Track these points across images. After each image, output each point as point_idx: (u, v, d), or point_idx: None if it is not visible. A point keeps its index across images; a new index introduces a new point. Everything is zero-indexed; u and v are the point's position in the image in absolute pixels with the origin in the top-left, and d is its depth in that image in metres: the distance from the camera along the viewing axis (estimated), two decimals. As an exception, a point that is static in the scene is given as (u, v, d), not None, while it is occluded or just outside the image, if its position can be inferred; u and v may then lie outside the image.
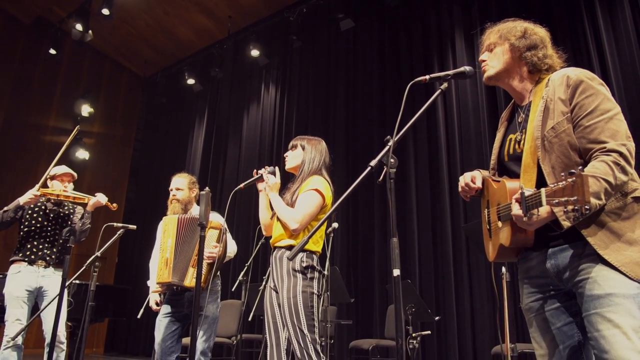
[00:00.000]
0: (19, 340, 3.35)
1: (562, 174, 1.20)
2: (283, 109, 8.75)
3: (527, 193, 1.32)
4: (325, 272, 2.48)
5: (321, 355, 2.14)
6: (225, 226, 3.16)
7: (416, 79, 1.60)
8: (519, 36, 1.62)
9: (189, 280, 2.80)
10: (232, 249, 3.19)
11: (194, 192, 3.27)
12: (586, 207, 1.11)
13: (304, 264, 2.25)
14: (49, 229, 3.61)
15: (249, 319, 4.26)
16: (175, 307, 3.00)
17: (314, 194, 2.32)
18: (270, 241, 2.41)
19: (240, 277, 4.19)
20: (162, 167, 10.82)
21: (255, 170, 2.60)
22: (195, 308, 1.93)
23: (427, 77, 1.62)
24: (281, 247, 2.32)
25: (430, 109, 1.63)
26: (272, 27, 9.17)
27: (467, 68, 1.64)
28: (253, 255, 4.14)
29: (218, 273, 3.15)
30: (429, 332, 4.28)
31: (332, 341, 3.92)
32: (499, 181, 1.62)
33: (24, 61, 9.80)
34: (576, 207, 1.14)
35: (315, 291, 2.21)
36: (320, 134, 8.26)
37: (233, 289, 4.13)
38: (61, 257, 3.68)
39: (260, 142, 8.94)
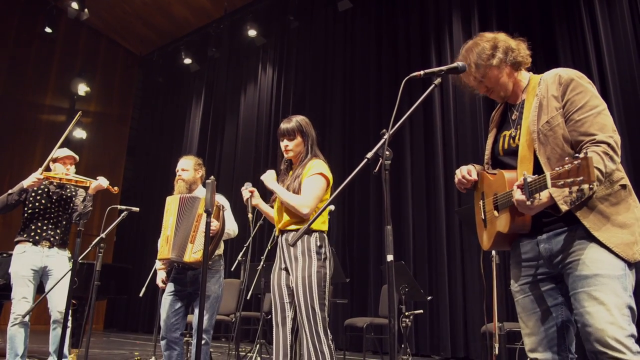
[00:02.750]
0: (26, 317, 3.47)
1: (567, 158, 1.29)
2: (280, 90, 8.77)
3: (529, 179, 1.40)
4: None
5: (328, 333, 2.25)
6: (227, 205, 3.23)
7: (411, 75, 1.66)
8: (489, 54, 1.69)
9: (188, 256, 2.86)
10: (232, 228, 3.23)
11: (199, 173, 3.33)
12: (591, 185, 1.19)
13: (318, 244, 2.35)
14: (52, 210, 3.69)
15: (248, 297, 4.39)
16: (179, 286, 3.08)
17: (319, 177, 2.40)
18: (279, 226, 2.47)
19: (239, 257, 4.30)
20: (160, 146, 10.85)
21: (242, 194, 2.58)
22: (203, 287, 2.02)
23: (422, 72, 1.68)
24: (291, 231, 2.40)
25: (427, 97, 1.70)
26: (269, 7, 9.11)
27: (460, 64, 1.70)
28: (252, 236, 4.24)
29: (221, 252, 3.23)
30: (421, 311, 4.43)
31: (328, 319, 4.06)
32: (495, 173, 1.71)
33: (19, 40, 9.72)
34: (581, 187, 1.23)
35: (328, 271, 2.31)
36: (317, 114, 8.38)
37: (232, 269, 4.24)
38: (65, 237, 3.77)
39: (257, 122, 8.97)
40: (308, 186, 2.36)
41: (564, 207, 1.44)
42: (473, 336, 5.44)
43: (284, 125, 2.53)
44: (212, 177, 2.12)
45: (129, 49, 11.57)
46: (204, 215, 2.84)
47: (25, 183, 3.51)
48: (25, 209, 3.66)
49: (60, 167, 3.74)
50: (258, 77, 9.27)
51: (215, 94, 10.04)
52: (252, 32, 8.92)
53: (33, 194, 3.68)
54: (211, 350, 3.70)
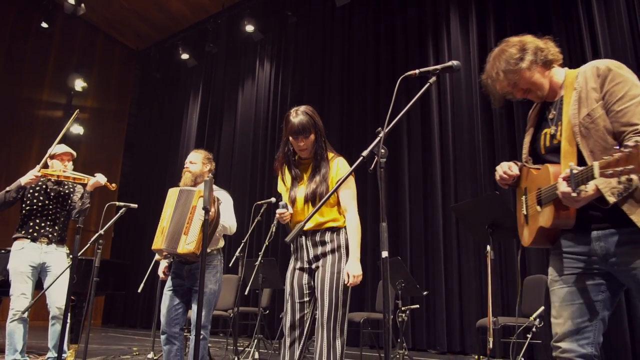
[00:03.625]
0: (25, 313, 3.49)
1: (615, 148, 1.28)
2: (278, 85, 8.77)
3: (575, 170, 1.37)
4: None
5: (344, 329, 2.26)
6: (228, 201, 3.21)
7: (406, 74, 1.68)
8: (518, 57, 1.69)
9: (181, 247, 2.86)
10: (230, 223, 3.19)
11: (206, 167, 3.34)
12: None
13: (346, 243, 2.36)
14: (50, 207, 3.70)
15: (246, 292, 4.42)
16: (178, 280, 3.11)
17: (351, 180, 2.38)
18: (305, 228, 2.34)
19: (237, 253, 4.33)
20: (157, 142, 10.85)
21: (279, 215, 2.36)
22: (201, 282, 2.04)
23: (417, 71, 1.70)
24: (319, 230, 2.34)
25: (424, 94, 1.71)
26: (267, 2, 9.09)
27: (455, 63, 1.71)
28: (249, 232, 4.27)
29: (219, 247, 3.23)
30: (417, 305, 4.47)
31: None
32: (539, 168, 1.70)
33: (15, 35, 9.67)
34: (630, 177, 1.19)
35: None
36: (315, 109, 8.34)
37: (230, 265, 4.27)
38: (63, 234, 3.78)
39: (255, 118, 8.98)
40: (349, 196, 2.36)
41: (611, 199, 1.42)
42: (469, 331, 5.49)
43: (297, 122, 2.35)
44: (210, 175, 2.13)
45: (125, 44, 11.53)
46: (199, 207, 2.87)
47: (23, 180, 3.52)
48: (23, 205, 3.67)
49: (57, 164, 3.75)
50: (256, 73, 9.27)
51: (213, 90, 10.04)
52: (249, 28, 8.91)
53: (31, 191, 3.69)
54: (209, 345, 3.73)
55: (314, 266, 2.35)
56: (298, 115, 2.39)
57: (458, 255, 5.81)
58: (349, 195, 2.38)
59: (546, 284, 4.12)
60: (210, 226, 2.91)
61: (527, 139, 1.83)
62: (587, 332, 1.56)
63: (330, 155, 2.46)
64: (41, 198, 3.69)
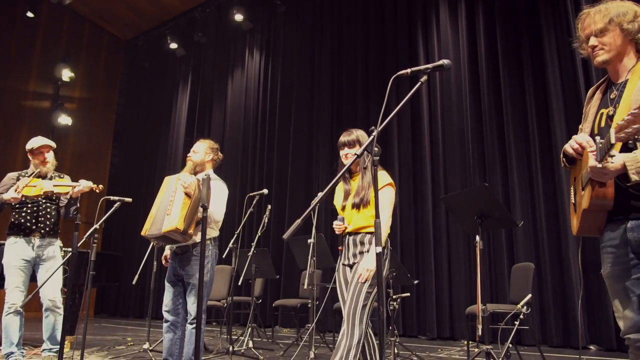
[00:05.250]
0: (21, 306, 3.53)
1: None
2: (268, 75, 8.75)
3: (600, 143, 1.38)
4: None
5: (365, 318, 2.45)
6: (222, 190, 3.25)
7: (398, 73, 1.73)
8: (630, 20, 1.67)
9: (165, 226, 2.94)
10: (214, 210, 3.13)
11: (209, 157, 3.38)
12: None
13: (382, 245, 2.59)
14: (41, 202, 3.73)
15: (239, 283, 4.48)
16: (175, 271, 3.18)
17: (390, 189, 2.67)
18: (350, 229, 2.67)
19: (230, 245, 4.38)
20: (146, 132, 10.78)
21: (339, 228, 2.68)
22: (201, 273, 2.08)
23: (409, 70, 1.75)
24: (361, 233, 2.64)
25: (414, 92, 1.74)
26: (256, -9, 9.03)
27: (445, 62, 1.76)
28: (242, 224, 4.32)
29: (213, 236, 3.26)
30: (408, 294, 4.56)
31: (318, 302, 4.17)
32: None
33: (0, 24, 9.50)
34: (638, 137, 1.21)
35: (385, 269, 2.58)
36: (305, 100, 8.38)
37: (224, 256, 4.32)
38: (55, 227, 3.81)
39: (245, 108, 8.96)
40: (385, 200, 2.61)
41: (634, 177, 1.44)
42: (458, 317, 5.62)
43: (344, 138, 2.74)
44: (207, 174, 2.17)
45: (113, 34, 11.39)
46: (180, 188, 2.98)
47: (5, 197, 3.53)
48: (15, 203, 3.68)
49: (37, 165, 3.73)
50: (245, 63, 9.23)
51: (202, 80, 9.98)
52: (238, 17, 8.85)
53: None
54: (204, 335, 3.79)
55: (353, 263, 2.64)
56: (349, 133, 2.77)
57: (448, 244, 5.92)
58: (382, 197, 2.59)
59: (533, 272, 4.22)
60: (195, 202, 2.96)
61: (589, 118, 1.78)
62: None
63: (380, 170, 2.65)
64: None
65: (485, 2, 6.21)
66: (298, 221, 1.46)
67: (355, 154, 1.62)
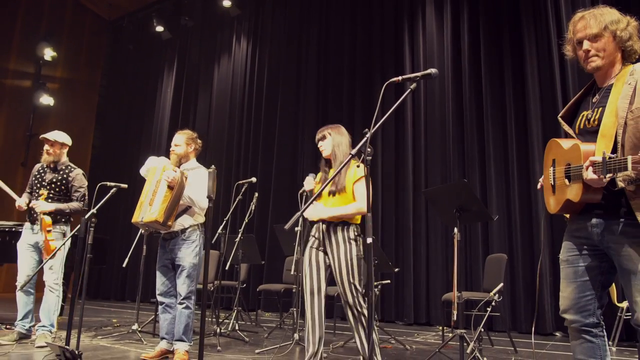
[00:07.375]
0: (25, 285, 3.83)
1: None
2: (255, 62, 8.78)
3: (608, 158, 1.46)
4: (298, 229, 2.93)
5: (364, 303, 2.68)
6: (201, 177, 3.38)
7: (390, 80, 1.88)
8: (623, 28, 1.74)
9: (146, 216, 3.16)
10: (197, 198, 3.28)
11: (191, 147, 3.52)
12: None
13: (356, 234, 2.79)
14: (47, 191, 3.96)
15: (227, 267, 4.63)
16: (165, 255, 3.34)
17: (364, 180, 2.76)
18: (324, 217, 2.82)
19: (219, 230, 4.52)
20: (130, 115, 10.69)
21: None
22: (206, 258, 2.21)
23: (400, 78, 1.90)
24: (339, 224, 2.79)
25: (403, 94, 1.90)
26: (245, -23, 9.01)
27: (433, 70, 1.91)
28: (231, 211, 4.45)
29: (199, 222, 3.41)
30: (388, 281, 4.78)
31: (302, 288, 4.35)
32: (572, 142, 1.77)
33: (-20, 0, 9.29)
34: None
35: (362, 255, 2.73)
36: (291, 89, 8.44)
37: (213, 241, 4.46)
38: (57, 215, 3.98)
39: (231, 95, 8.99)
40: (359, 190, 2.78)
41: (620, 184, 1.57)
42: (434, 304, 5.89)
43: (317, 137, 2.93)
44: (212, 166, 2.29)
45: (97, 13, 11.21)
46: (163, 180, 3.18)
47: (17, 202, 3.97)
48: (29, 191, 4.08)
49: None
50: (232, 49, 9.23)
51: (188, 64, 9.94)
52: (226, 2, 8.86)
53: (34, 180, 4.05)
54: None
55: (329, 250, 2.80)
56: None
57: (426, 235, 6.17)
58: (357, 188, 2.81)
59: (506, 262, 4.47)
60: (174, 198, 3.12)
61: (571, 108, 1.91)
62: (587, 306, 1.79)
63: (355, 163, 2.82)
64: (39, 185, 4.00)
65: (470, 2, 6.39)
66: (299, 214, 1.61)
67: (350, 153, 1.77)
